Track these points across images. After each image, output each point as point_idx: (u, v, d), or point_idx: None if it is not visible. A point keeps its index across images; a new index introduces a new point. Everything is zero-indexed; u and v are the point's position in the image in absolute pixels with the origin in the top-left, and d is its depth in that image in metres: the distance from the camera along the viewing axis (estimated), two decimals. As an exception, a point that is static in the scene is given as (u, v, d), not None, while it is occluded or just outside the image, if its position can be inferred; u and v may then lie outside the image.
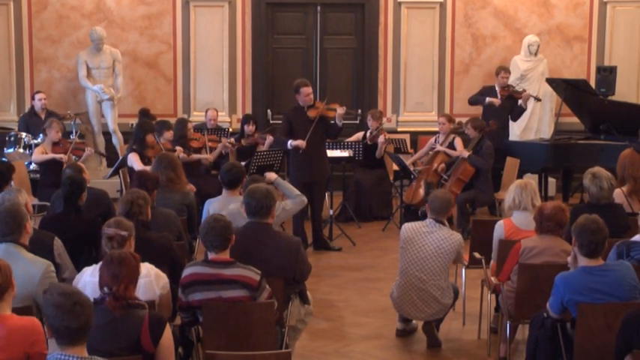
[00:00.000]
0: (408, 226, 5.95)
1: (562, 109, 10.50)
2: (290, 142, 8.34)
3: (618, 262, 4.81)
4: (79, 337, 3.25)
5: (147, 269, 4.49)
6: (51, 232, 5.30)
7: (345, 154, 9.53)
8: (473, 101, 10.71)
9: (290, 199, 6.12)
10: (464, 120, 9.97)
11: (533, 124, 11.74)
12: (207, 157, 9.42)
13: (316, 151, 8.49)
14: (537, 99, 10.70)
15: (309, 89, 8.43)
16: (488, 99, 10.43)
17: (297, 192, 6.24)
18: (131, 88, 11.79)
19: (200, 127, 10.18)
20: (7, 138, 9.93)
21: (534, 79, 11.61)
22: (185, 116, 11.30)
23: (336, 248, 8.80)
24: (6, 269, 3.77)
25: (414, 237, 5.86)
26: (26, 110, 11.14)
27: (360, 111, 10.62)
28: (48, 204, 7.34)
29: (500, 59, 11.79)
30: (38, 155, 8.84)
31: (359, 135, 10.33)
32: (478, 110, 10.85)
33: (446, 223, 5.94)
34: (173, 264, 5.14)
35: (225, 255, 4.59)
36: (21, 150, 9.77)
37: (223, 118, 11.49)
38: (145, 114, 10.61)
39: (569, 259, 4.70)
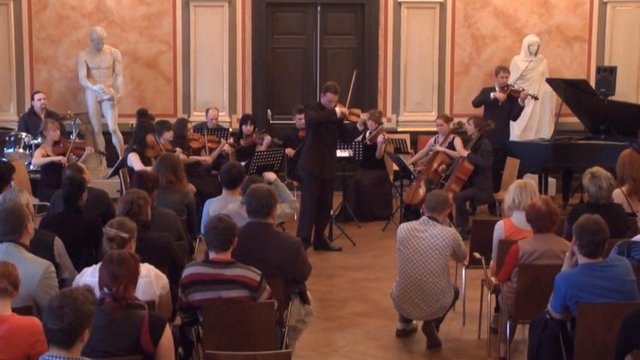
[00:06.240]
0: (403, 227, 5.97)
1: (562, 109, 10.51)
2: (338, 109, 8.41)
3: (617, 256, 4.82)
4: (63, 339, 3.19)
5: (147, 269, 4.49)
6: (51, 232, 5.29)
7: (345, 154, 9.54)
8: (477, 102, 10.67)
9: (285, 203, 6.12)
10: (464, 120, 9.96)
11: (533, 124, 11.73)
12: (205, 159, 9.40)
13: (329, 151, 8.62)
14: (535, 97, 10.70)
15: (335, 97, 8.48)
16: (493, 94, 10.43)
17: (293, 198, 6.27)
18: (131, 88, 11.79)
19: (200, 128, 10.16)
20: (7, 138, 9.91)
21: (534, 79, 11.60)
22: (185, 116, 11.29)
23: (336, 248, 8.80)
24: (16, 278, 3.80)
25: (409, 236, 5.87)
26: (26, 110, 11.13)
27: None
28: (48, 204, 7.33)
29: (500, 59, 11.78)
30: (38, 159, 8.77)
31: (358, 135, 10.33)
32: (479, 110, 10.84)
33: (443, 221, 5.94)
34: (173, 264, 5.14)
35: (227, 255, 4.59)
36: (21, 150, 9.74)
37: (223, 118, 11.48)
38: (143, 114, 10.53)
39: (568, 253, 4.70)
